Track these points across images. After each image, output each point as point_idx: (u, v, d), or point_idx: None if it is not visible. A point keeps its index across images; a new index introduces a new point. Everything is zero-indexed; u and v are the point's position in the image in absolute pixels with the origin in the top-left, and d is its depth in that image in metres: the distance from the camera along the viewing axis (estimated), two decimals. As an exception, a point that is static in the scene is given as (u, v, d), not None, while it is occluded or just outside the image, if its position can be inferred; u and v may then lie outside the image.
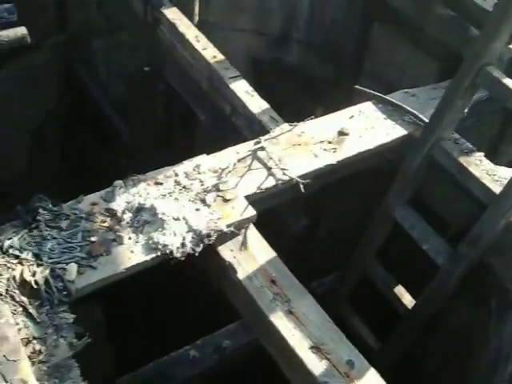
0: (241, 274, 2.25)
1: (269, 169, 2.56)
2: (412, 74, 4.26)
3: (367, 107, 3.15)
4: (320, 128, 2.90)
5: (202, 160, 2.58)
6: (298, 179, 2.51)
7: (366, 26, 4.64)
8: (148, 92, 4.21)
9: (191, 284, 3.51)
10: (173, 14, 3.57)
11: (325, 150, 2.76)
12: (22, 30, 2.21)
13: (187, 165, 2.55)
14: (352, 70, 4.87)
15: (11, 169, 5.20)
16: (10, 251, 2.11)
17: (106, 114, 5.05)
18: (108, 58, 5.10)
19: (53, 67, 5.19)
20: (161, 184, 2.45)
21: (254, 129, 2.93)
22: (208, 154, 2.64)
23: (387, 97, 3.19)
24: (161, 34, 3.65)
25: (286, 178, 2.52)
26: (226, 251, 2.30)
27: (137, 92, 4.35)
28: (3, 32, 2.16)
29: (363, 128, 2.98)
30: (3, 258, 2.09)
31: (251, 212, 2.35)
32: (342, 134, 2.88)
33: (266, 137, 2.77)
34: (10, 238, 2.16)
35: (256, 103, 3.01)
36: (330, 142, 2.81)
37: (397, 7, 4.17)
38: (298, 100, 4.81)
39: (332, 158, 2.72)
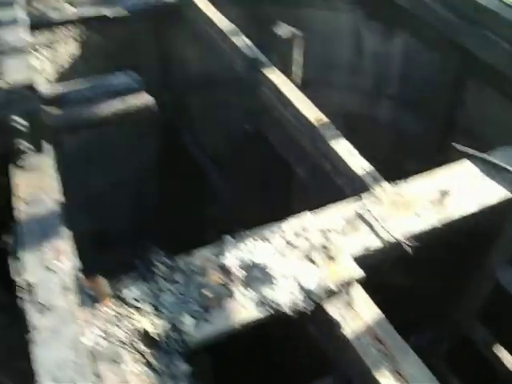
0: (348, 332, 2.29)
1: (373, 229, 2.62)
2: (507, 129, 4.24)
3: (466, 166, 3.15)
4: (421, 187, 2.93)
5: (307, 218, 2.66)
6: (405, 241, 2.56)
7: (459, 82, 4.67)
8: (246, 148, 4.38)
9: (287, 338, 3.57)
10: (273, 74, 3.74)
11: (427, 210, 2.79)
12: (149, 99, 2.40)
13: (293, 222, 2.64)
14: (444, 126, 4.89)
15: (113, 217, 5.49)
16: (131, 302, 2.26)
17: (204, 169, 5.26)
18: (206, 115, 5.36)
19: (152, 121, 5.50)
20: (268, 240, 2.55)
21: (355, 187, 3.00)
22: (307, 210, 2.73)
23: (486, 155, 3.19)
24: (261, 93, 3.82)
25: (391, 239, 2.57)
26: (333, 309, 2.35)
27: (235, 148, 4.54)
28: (132, 100, 2.36)
29: (464, 188, 2.98)
30: (124, 308, 2.23)
31: (359, 272, 2.40)
32: (443, 194, 2.90)
33: (368, 196, 2.84)
34: (130, 289, 2.31)
35: (357, 162, 3.09)
36: (431, 203, 2.83)
37: (491, 63, 4.19)
38: (391, 156, 4.87)
39: (435, 219, 2.74)
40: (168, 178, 5.75)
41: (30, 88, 2.18)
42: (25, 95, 2.16)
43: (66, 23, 4.41)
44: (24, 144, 2.09)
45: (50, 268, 2.18)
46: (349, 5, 5.23)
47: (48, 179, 2.10)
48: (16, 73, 2.33)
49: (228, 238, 2.57)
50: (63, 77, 4.68)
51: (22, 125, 2.07)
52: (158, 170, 5.82)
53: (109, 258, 2.64)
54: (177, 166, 5.66)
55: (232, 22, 4.29)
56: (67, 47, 4.77)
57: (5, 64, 2.18)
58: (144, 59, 5.19)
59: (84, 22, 4.58)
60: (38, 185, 2.07)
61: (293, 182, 4.12)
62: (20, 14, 3.45)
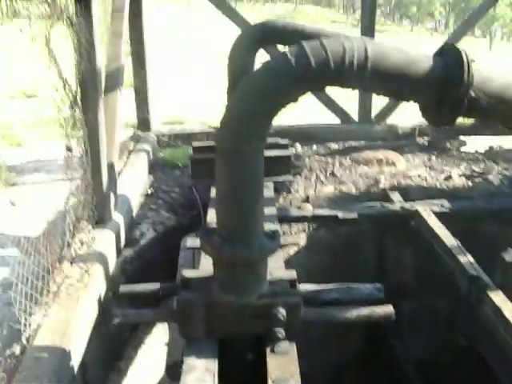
0: None
1: None
2: None
3: None
4: None
5: None
6: None
7: None
8: (453, 360, 4.37)
9: None
10: (497, 296, 3.83)
11: None
12: (390, 309, 2.67)
13: None
14: None
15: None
16: None
17: (406, 375, 5.26)
18: (414, 320, 5.47)
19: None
20: None
21: None
22: None
23: None
24: (482, 312, 3.90)
25: None
26: None
27: (441, 357, 4.54)
28: (376, 308, 2.65)
29: None
30: None
31: None
32: None
33: None
34: None
35: None
36: None
37: None
38: None
39: None
40: (365, 373, 5.81)
41: (293, 284, 2.58)
42: (288, 290, 2.56)
43: (302, 219, 4.96)
44: (281, 332, 2.43)
45: None
46: None
47: (293, 364, 2.40)
48: (278, 269, 2.79)
49: None
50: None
51: (283, 315, 2.43)
52: (357, 363, 5.92)
53: None
54: (377, 363, 5.72)
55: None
56: (298, 239, 5.35)
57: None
58: (363, 258, 5.59)
59: (317, 219, 5.11)
60: (286, 368, 2.36)
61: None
62: (274, 210, 4.09)
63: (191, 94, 11.11)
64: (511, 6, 51.78)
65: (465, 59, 2.35)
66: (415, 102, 2.47)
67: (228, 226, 2.41)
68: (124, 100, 5.10)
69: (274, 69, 2.20)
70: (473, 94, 2.40)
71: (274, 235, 2.52)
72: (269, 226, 2.73)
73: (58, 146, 3.99)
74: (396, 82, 2.31)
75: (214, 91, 7.33)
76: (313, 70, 2.17)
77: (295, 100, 2.25)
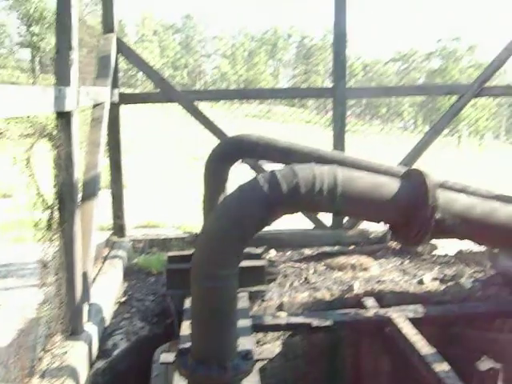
0: None
1: None
2: None
3: None
4: None
5: None
6: None
7: None
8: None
9: None
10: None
11: None
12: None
13: None
14: None
15: None
16: None
17: None
18: None
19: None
20: None
21: None
22: None
23: None
24: None
25: None
26: None
27: None
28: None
29: None
30: None
31: None
32: None
33: None
34: None
35: None
36: None
37: None
38: None
39: None
40: None
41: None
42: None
43: (277, 327, 4.94)
44: None
45: None
46: None
47: None
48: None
49: None
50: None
51: None
52: None
53: None
54: None
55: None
56: (273, 348, 5.30)
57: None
58: (339, 365, 5.53)
59: (291, 327, 5.09)
60: None
61: None
62: (249, 322, 4.08)
63: (167, 197, 11.25)
64: (475, 107, 54.29)
65: (429, 183, 2.47)
66: (385, 223, 2.56)
67: (203, 349, 2.41)
68: (100, 202, 5.15)
69: (247, 195, 2.29)
70: (439, 215, 2.50)
71: (248, 355, 2.52)
72: (243, 343, 2.73)
73: (32, 249, 3.97)
74: (365, 206, 2.41)
75: (191, 194, 7.47)
76: (284, 196, 2.26)
77: (269, 224, 2.33)
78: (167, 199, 10.98)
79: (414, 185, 2.48)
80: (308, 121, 58.07)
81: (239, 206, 2.27)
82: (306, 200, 2.31)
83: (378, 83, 70.92)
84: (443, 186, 3.51)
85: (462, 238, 2.88)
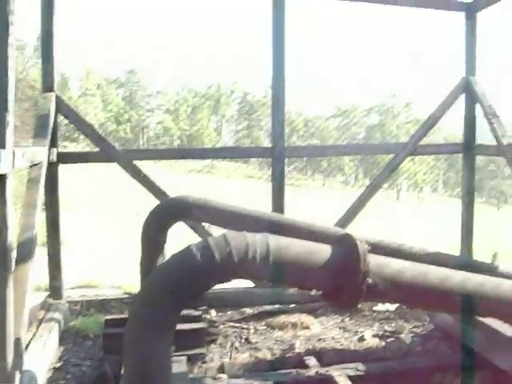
0: None
1: None
2: None
3: None
4: None
5: None
6: None
7: None
8: None
9: None
10: None
11: None
12: None
13: None
14: None
15: None
16: None
17: None
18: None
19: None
20: None
21: None
22: None
23: None
24: None
25: None
26: None
27: None
28: None
29: None
30: None
31: None
32: None
33: None
34: None
35: None
36: None
37: None
38: None
39: None
40: None
41: None
42: None
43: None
44: None
45: None
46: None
47: None
48: None
49: None
50: None
51: None
52: None
53: None
54: None
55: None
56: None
57: None
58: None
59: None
60: None
61: None
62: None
63: (109, 254, 11.07)
64: (413, 161, 56.21)
65: (360, 248, 2.54)
66: (317, 290, 2.61)
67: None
68: (37, 261, 5.03)
69: (180, 264, 2.30)
70: (370, 280, 2.56)
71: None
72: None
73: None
74: (297, 273, 2.45)
75: (133, 251, 7.40)
76: (217, 265, 2.28)
77: (203, 293, 2.33)
78: (109, 256, 10.80)
79: (346, 251, 2.54)
80: (251, 176, 58.78)
81: (172, 275, 2.27)
82: (240, 268, 2.33)
83: (319, 138, 72.80)
84: (377, 246, 3.60)
85: (394, 301, 2.95)
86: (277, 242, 2.39)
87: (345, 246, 2.59)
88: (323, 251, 2.53)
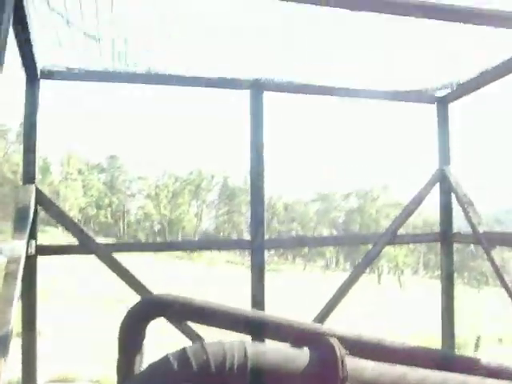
0: None
1: None
2: None
3: None
4: None
5: None
6: None
7: None
8: None
9: None
10: None
11: None
12: None
13: None
14: None
15: None
16: None
17: None
18: None
19: None
20: None
21: None
22: None
23: None
24: None
25: None
26: None
27: None
28: None
29: None
30: None
31: None
32: None
33: None
34: None
35: None
36: None
37: None
38: None
39: None
40: None
41: None
42: None
43: None
44: None
45: None
46: None
47: None
48: None
49: None
50: None
51: None
52: None
53: None
54: None
55: None
56: None
57: None
58: None
59: None
60: None
61: None
62: None
63: (87, 345, 10.80)
64: (394, 246, 56.63)
65: (338, 353, 2.53)
66: (295, 397, 2.57)
67: None
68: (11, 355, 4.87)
69: (157, 374, 2.27)
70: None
71: None
72: None
73: None
74: (275, 380, 2.43)
75: (112, 341, 7.24)
76: (194, 374, 2.26)
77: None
78: (87, 348, 10.54)
79: (323, 356, 2.53)
80: (232, 261, 58.56)
81: (149, 384, 2.24)
82: (217, 376, 2.31)
83: (299, 222, 73.18)
84: (357, 343, 3.58)
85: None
86: (254, 349, 2.38)
87: (322, 351, 2.58)
88: (301, 357, 2.51)
